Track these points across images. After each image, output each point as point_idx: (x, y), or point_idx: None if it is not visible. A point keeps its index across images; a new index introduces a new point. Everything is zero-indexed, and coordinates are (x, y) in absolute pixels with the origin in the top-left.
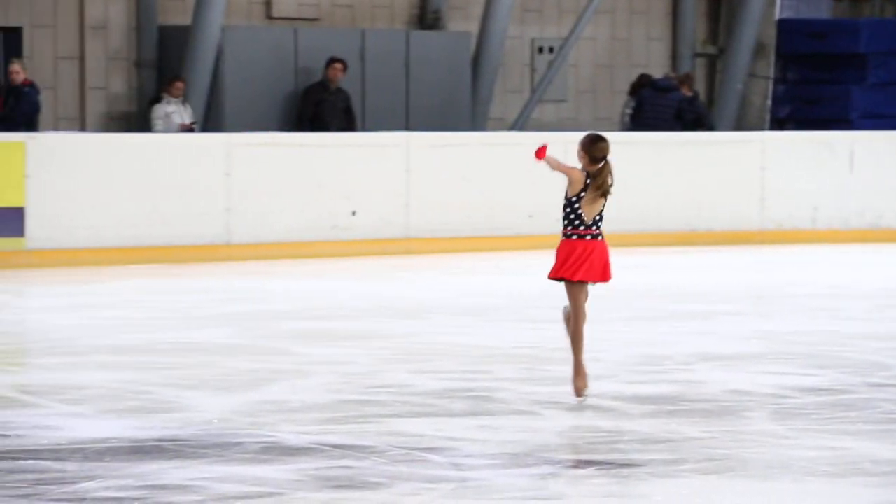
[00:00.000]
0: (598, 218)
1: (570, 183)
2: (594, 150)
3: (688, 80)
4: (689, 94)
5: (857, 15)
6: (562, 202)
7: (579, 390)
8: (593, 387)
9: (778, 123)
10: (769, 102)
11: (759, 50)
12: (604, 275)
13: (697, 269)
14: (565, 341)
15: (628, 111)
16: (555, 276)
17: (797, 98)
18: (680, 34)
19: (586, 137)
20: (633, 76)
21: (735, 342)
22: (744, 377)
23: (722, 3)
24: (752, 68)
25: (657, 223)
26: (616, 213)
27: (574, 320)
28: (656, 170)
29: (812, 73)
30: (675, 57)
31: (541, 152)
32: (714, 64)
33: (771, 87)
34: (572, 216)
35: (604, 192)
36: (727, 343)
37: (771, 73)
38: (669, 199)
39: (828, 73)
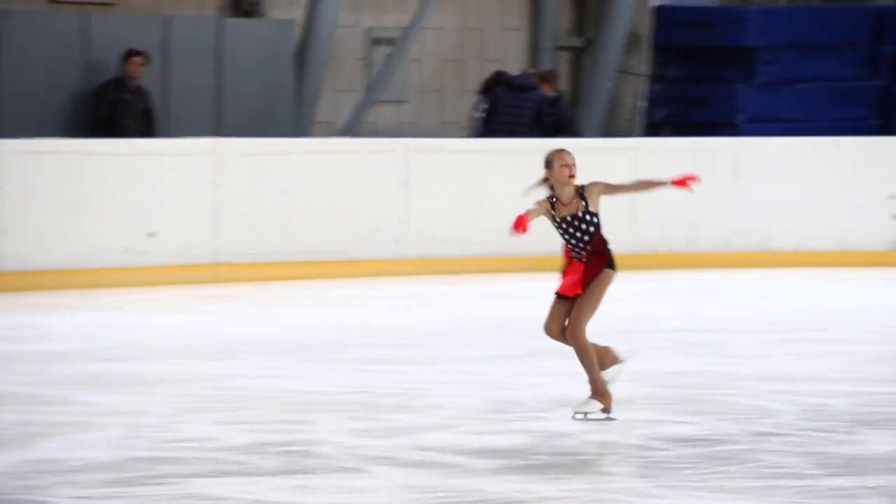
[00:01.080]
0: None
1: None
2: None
3: (550, 77)
4: (551, 93)
5: (745, 3)
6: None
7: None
8: (431, 438)
9: (653, 128)
10: (643, 103)
11: (631, 42)
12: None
13: (549, 297)
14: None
15: (479, 114)
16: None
17: (675, 98)
18: (541, 24)
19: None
20: (487, 72)
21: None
22: (608, 426)
23: None
24: (624, 64)
25: (511, 246)
26: (467, 234)
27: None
28: (514, 182)
29: (693, 70)
30: (534, 50)
31: (521, 225)
32: (580, 59)
33: (645, 85)
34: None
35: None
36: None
37: (645, 69)
38: None
39: (711, 70)
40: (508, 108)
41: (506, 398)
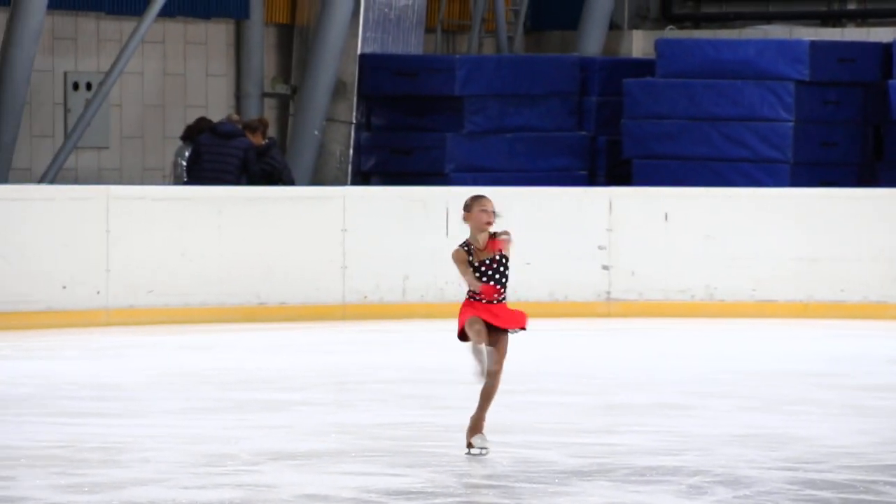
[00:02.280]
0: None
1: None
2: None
3: (261, 125)
4: (261, 142)
5: (451, 51)
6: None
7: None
8: (139, 493)
9: (362, 176)
10: (351, 151)
11: (339, 90)
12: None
13: (267, 349)
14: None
15: (182, 161)
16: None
17: (384, 147)
18: (245, 70)
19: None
20: (190, 118)
21: (311, 437)
22: (321, 479)
23: (295, 33)
24: (332, 111)
25: (220, 295)
26: (172, 283)
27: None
28: (218, 231)
29: (401, 119)
30: (239, 96)
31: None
32: (287, 105)
33: (353, 133)
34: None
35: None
36: (301, 438)
37: (353, 117)
38: (233, 267)
39: (419, 119)
40: (212, 156)
41: (215, 451)
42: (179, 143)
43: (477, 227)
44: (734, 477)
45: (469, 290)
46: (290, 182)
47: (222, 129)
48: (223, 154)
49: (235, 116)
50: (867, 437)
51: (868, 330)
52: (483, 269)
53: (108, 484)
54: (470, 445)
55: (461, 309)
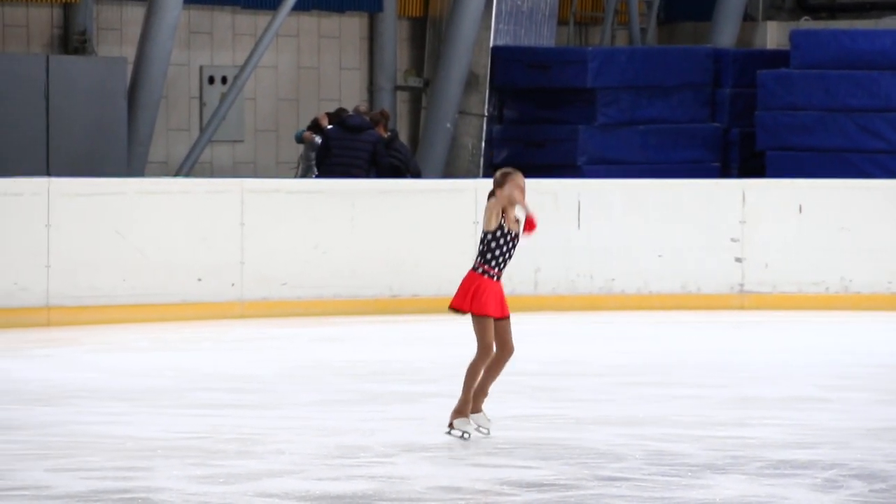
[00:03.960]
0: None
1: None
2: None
3: (383, 118)
4: (385, 133)
5: (584, 43)
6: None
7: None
8: (273, 485)
9: (494, 169)
10: (483, 144)
11: (471, 82)
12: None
13: (401, 342)
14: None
15: (308, 154)
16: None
17: (516, 139)
18: (378, 63)
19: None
20: (325, 111)
21: (444, 429)
22: (455, 471)
23: (427, 26)
24: (464, 104)
25: (352, 288)
26: (306, 276)
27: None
28: (350, 224)
29: (533, 111)
30: (372, 90)
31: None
32: (419, 98)
33: (485, 126)
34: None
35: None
36: (435, 430)
37: (485, 109)
38: (366, 259)
39: (551, 111)
40: (342, 150)
41: (349, 443)
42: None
43: (512, 202)
44: (870, 471)
45: (480, 265)
46: (416, 173)
47: (351, 123)
48: (353, 148)
49: (363, 107)
50: None
51: None
52: (508, 238)
53: (243, 475)
54: (451, 426)
55: (474, 282)
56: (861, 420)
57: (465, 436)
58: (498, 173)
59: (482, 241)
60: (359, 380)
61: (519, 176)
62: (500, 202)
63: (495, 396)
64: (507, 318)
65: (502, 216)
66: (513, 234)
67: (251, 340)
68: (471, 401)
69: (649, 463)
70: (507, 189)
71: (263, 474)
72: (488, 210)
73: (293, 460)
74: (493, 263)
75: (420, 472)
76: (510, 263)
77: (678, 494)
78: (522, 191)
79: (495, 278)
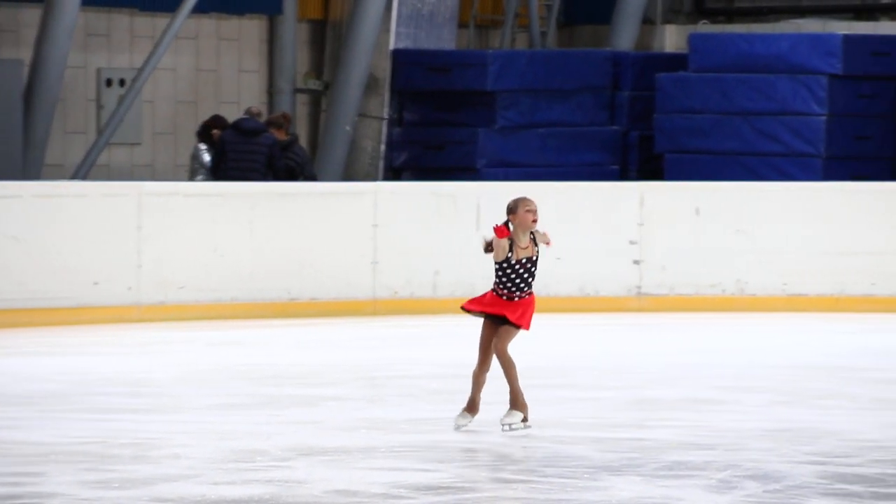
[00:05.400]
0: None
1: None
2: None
3: (285, 121)
4: (284, 137)
5: (484, 46)
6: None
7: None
8: (168, 489)
9: (394, 172)
10: (383, 147)
11: (371, 85)
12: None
13: (298, 345)
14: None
15: (205, 157)
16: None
17: (416, 142)
18: (277, 65)
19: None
20: (223, 114)
21: (341, 433)
22: (351, 474)
23: (327, 29)
24: (364, 107)
25: (250, 291)
26: (204, 279)
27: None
28: (249, 227)
29: (433, 114)
30: (272, 92)
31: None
32: (319, 101)
33: (385, 129)
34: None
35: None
36: (332, 434)
37: (385, 112)
38: (265, 262)
39: (451, 114)
40: (238, 154)
41: (245, 447)
42: (196, 142)
43: (523, 227)
44: (764, 471)
45: (495, 286)
46: (311, 177)
47: (246, 127)
48: (249, 151)
49: (255, 109)
50: None
51: None
52: (517, 267)
53: (138, 480)
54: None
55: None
56: (756, 421)
57: (514, 427)
58: (511, 200)
59: (495, 269)
60: (256, 383)
61: (530, 201)
62: (502, 236)
63: (394, 399)
64: (511, 324)
65: (510, 249)
66: (522, 261)
67: (148, 344)
68: (519, 392)
69: (546, 465)
70: (520, 215)
71: (159, 479)
72: (496, 244)
73: (189, 465)
74: (504, 288)
75: (317, 475)
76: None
77: (574, 496)
78: (534, 213)
79: (514, 299)
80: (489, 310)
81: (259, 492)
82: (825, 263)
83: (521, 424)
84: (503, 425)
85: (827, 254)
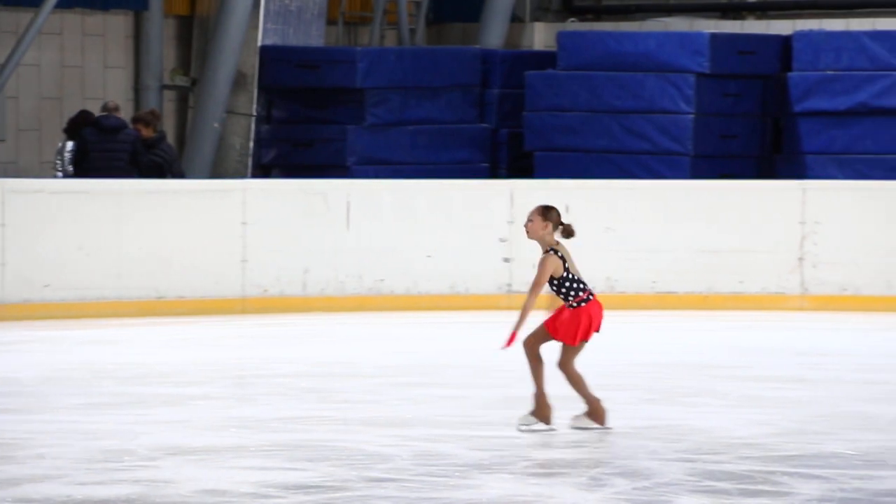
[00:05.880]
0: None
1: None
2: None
3: (154, 118)
4: (152, 134)
5: (353, 43)
6: None
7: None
8: (34, 490)
9: (263, 170)
10: (251, 144)
11: (239, 82)
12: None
13: (165, 344)
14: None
15: (67, 155)
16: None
17: (284, 139)
18: (144, 61)
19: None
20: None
21: (210, 432)
22: (219, 474)
23: (194, 25)
24: (232, 104)
25: (117, 289)
26: (70, 277)
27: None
28: (116, 225)
29: (302, 111)
30: (138, 89)
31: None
32: (186, 98)
33: (253, 126)
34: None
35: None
36: (200, 433)
37: (253, 109)
38: (132, 260)
39: (320, 111)
40: (100, 152)
41: (112, 447)
42: (62, 138)
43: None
44: (633, 469)
45: (573, 299)
46: (179, 174)
47: (107, 124)
48: (111, 150)
49: (112, 104)
50: (765, 429)
51: (767, 321)
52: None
53: (2, 481)
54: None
55: (576, 317)
56: (625, 419)
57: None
58: (545, 207)
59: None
60: (124, 382)
61: (531, 212)
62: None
63: (263, 398)
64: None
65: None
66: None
67: (13, 343)
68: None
69: (416, 463)
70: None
71: (24, 479)
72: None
73: (55, 465)
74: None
75: (185, 475)
76: None
77: (445, 495)
78: (529, 220)
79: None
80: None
81: (126, 492)
82: (693, 261)
83: (543, 425)
84: (520, 426)
85: (695, 252)
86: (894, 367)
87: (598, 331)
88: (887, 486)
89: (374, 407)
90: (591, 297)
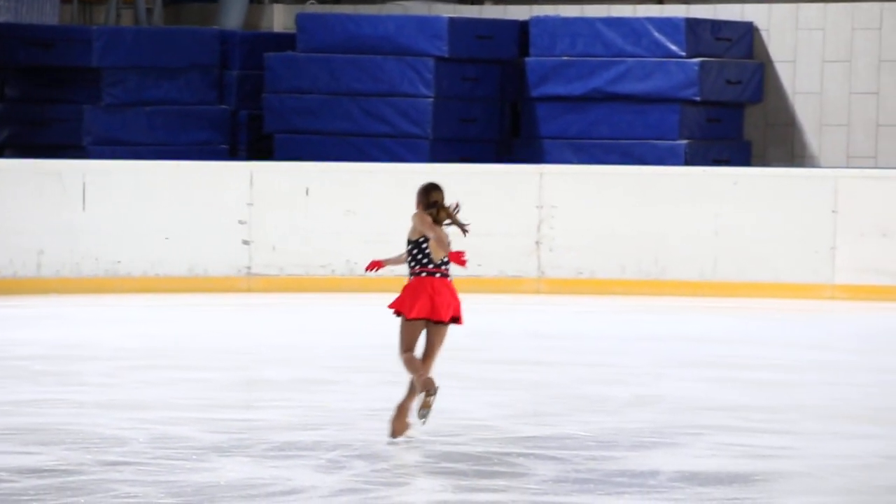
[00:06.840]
0: (445, 260)
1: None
2: (428, 197)
3: None
4: None
5: (88, 22)
6: None
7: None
8: None
9: None
10: None
11: None
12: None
13: None
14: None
15: None
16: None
17: (19, 119)
18: None
19: (421, 186)
20: None
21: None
22: None
23: None
24: None
25: None
26: None
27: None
28: None
29: (36, 90)
30: None
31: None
32: None
33: None
34: (419, 256)
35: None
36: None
37: None
38: None
39: (56, 91)
40: None
41: None
42: None
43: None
44: (372, 451)
45: (417, 267)
46: None
47: None
48: None
49: None
50: (502, 410)
51: (504, 304)
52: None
53: None
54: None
55: (409, 289)
56: (365, 401)
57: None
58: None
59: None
60: None
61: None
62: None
63: None
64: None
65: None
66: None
67: None
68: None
69: (153, 447)
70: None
71: None
72: (421, 224)
73: None
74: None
75: None
76: None
77: (182, 478)
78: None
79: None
80: (430, 315)
81: None
82: None
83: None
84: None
85: None
86: (627, 350)
87: (457, 320)
88: (620, 467)
89: (111, 390)
90: (443, 275)
